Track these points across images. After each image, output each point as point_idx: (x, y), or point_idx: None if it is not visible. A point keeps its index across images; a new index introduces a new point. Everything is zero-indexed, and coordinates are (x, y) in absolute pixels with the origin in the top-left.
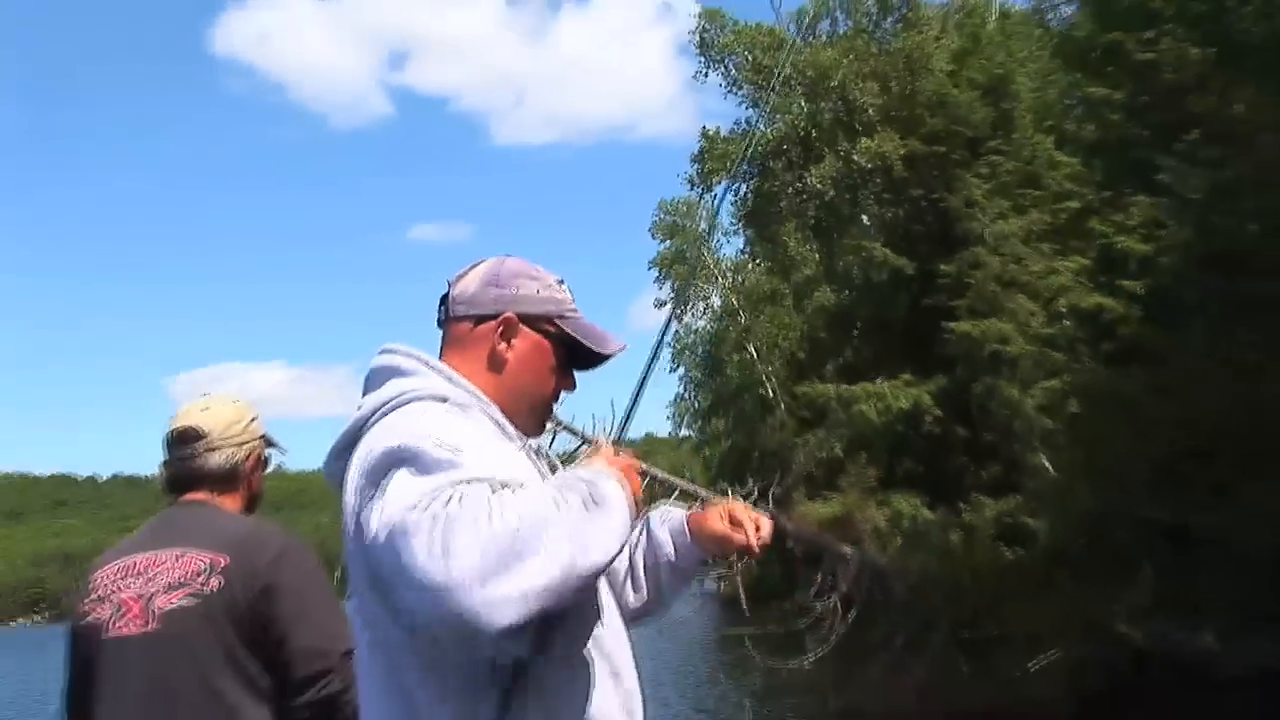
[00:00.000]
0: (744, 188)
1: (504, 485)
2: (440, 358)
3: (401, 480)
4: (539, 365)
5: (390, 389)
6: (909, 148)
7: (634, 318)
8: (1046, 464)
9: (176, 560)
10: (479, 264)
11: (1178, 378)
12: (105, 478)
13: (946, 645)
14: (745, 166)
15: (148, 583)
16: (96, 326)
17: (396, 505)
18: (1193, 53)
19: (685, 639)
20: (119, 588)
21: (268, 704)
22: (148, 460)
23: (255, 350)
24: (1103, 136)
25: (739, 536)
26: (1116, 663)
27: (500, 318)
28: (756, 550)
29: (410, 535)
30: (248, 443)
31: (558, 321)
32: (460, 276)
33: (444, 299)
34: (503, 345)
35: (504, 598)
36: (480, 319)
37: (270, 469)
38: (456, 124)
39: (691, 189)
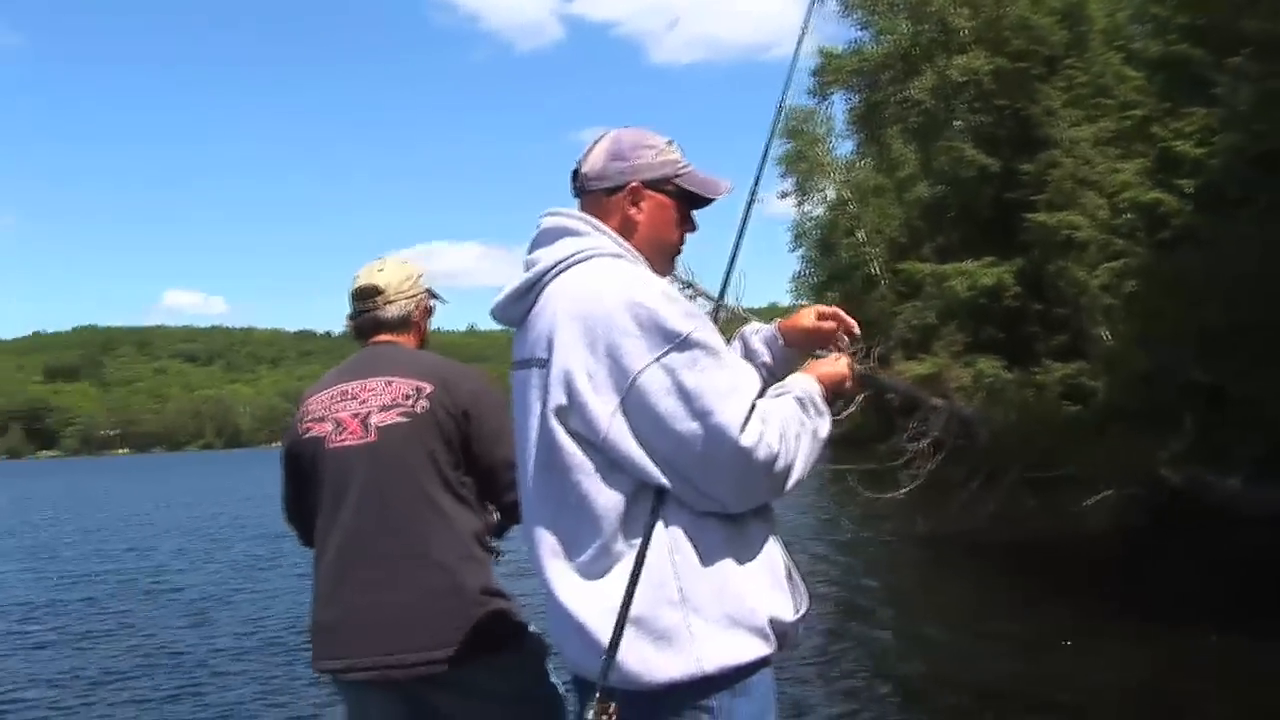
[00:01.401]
0: (856, 98)
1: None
2: None
3: (712, 377)
4: (665, 220)
5: (568, 245)
6: (996, 64)
7: (765, 205)
8: (1105, 334)
9: (386, 386)
10: (599, 140)
11: (1226, 258)
12: (337, 333)
13: (1016, 484)
14: (856, 80)
15: (361, 404)
16: (333, 212)
17: (730, 420)
18: None
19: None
20: (336, 409)
21: (465, 506)
22: None
23: (457, 231)
24: (1165, 54)
25: (828, 324)
26: (1156, 501)
27: (628, 188)
28: (854, 327)
29: (753, 465)
30: (416, 295)
31: (675, 180)
32: (587, 155)
33: (575, 174)
34: (633, 210)
35: (777, 495)
36: (611, 190)
37: (465, 328)
38: (618, 46)
39: (811, 98)
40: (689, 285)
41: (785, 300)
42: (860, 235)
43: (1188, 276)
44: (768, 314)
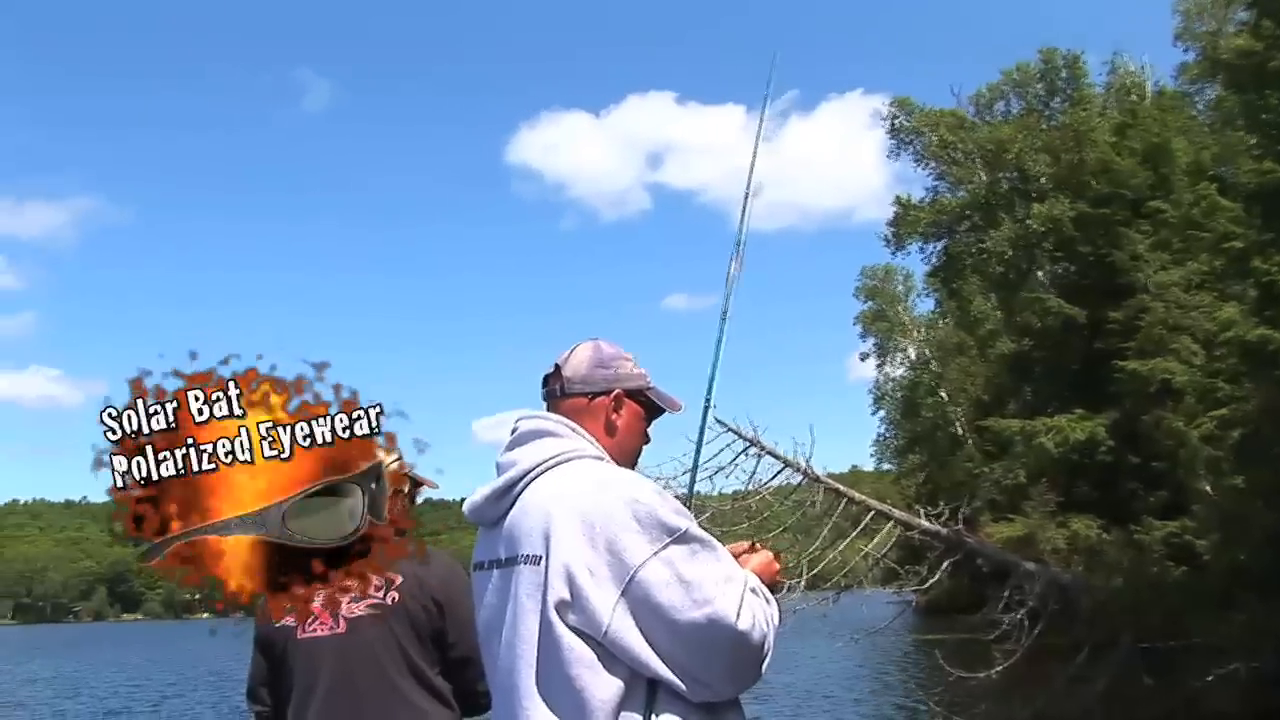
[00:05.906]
0: (933, 249)
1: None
2: None
3: (709, 568)
4: (638, 428)
5: (549, 446)
6: (1078, 210)
7: (850, 369)
8: (1209, 488)
9: None
10: (578, 349)
11: None
12: (420, 501)
13: (1128, 657)
14: (934, 230)
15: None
16: (432, 380)
17: (728, 607)
18: None
19: (881, 648)
20: None
21: (437, 699)
22: (458, 486)
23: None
24: (1260, 185)
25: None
26: None
27: (613, 394)
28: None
29: (748, 649)
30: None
31: (646, 393)
32: (567, 359)
33: (548, 378)
34: (615, 415)
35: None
36: (594, 395)
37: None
38: (703, 213)
39: (886, 245)
40: (754, 443)
41: (868, 464)
42: (943, 394)
43: None
44: (850, 479)
